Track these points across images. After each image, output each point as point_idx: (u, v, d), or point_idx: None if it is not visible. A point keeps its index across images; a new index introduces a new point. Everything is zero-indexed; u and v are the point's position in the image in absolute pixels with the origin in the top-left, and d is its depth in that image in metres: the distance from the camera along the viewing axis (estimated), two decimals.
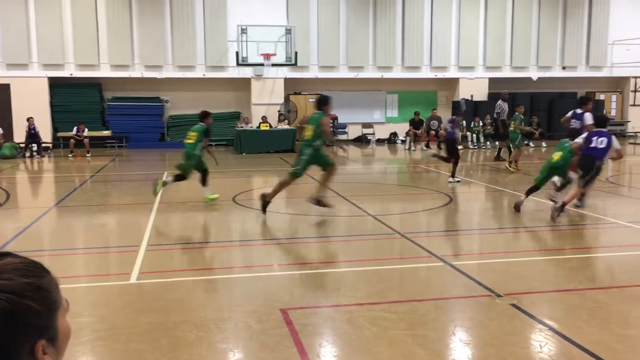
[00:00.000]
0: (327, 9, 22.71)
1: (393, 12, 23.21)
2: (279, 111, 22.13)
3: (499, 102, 16.64)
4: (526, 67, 24.50)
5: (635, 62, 24.46)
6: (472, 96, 23.81)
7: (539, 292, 5.59)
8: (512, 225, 8.94)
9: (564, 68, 24.76)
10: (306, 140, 9.07)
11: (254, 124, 21.69)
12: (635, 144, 22.84)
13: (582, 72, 24.93)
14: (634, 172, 16.07)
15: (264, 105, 22.33)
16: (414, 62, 23.59)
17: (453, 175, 12.83)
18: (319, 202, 9.15)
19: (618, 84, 25.97)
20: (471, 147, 22.00)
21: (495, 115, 17.14)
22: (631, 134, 24.73)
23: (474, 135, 22.31)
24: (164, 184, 10.28)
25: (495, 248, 7.65)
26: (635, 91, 25.62)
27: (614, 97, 25.97)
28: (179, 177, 10.14)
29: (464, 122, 20.70)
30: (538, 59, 24.49)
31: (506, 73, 24.41)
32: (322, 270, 6.50)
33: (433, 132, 20.37)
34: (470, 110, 22.63)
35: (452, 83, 24.55)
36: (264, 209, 9.03)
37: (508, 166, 15.06)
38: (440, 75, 24.06)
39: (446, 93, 24.94)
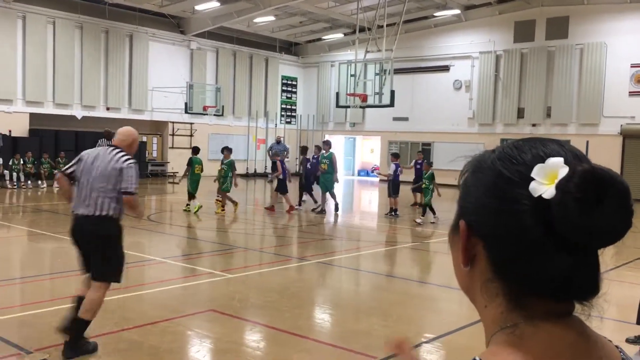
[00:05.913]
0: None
1: None
2: None
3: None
4: (70, 105, 24.10)
5: (172, 108, 26.84)
6: (10, 131, 22.02)
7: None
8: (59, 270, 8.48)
9: (108, 109, 25.31)
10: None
11: None
12: (174, 183, 24.81)
13: (125, 114, 25.93)
14: (174, 210, 17.33)
15: None
16: None
17: None
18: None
19: (158, 128, 27.94)
20: (10, 186, 20.22)
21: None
22: (170, 173, 26.84)
23: (14, 173, 20.58)
24: None
25: (28, 298, 7.09)
26: (173, 135, 28.00)
27: (155, 140, 27.82)
28: None
29: (0, 159, 18.91)
30: (82, 98, 24.40)
31: (49, 109, 23.51)
32: None
33: None
34: (8, 146, 20.89)
35: None
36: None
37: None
38: None
39: None
